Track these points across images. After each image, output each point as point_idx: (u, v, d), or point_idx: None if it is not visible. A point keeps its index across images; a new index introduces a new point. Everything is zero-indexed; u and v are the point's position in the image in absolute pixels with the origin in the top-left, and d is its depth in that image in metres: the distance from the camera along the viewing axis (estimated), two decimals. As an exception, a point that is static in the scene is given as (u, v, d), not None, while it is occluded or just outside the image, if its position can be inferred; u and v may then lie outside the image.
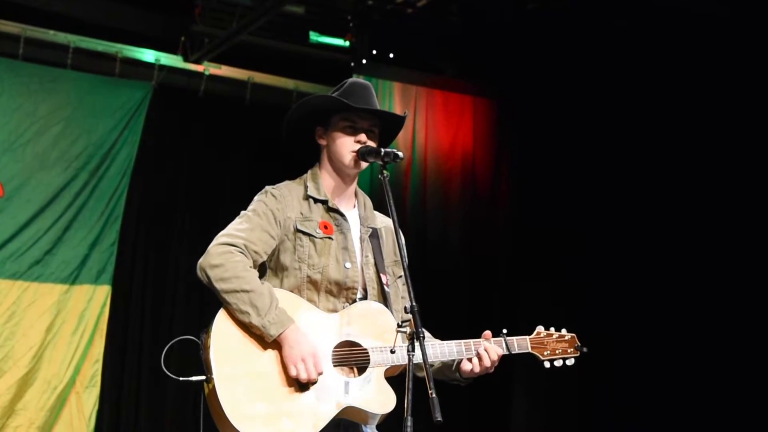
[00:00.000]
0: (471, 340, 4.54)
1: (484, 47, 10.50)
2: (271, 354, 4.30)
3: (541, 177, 10.74)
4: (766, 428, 9.15)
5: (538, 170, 10.78)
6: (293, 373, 4.24)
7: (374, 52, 10.24)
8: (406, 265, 4.29)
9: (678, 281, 9.88)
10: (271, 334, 4.25)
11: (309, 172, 4.70)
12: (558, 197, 10.58)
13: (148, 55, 9.82)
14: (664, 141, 10.06)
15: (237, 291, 4.27)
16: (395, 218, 4.34)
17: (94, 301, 9.33)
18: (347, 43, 10.17)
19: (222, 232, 4.45)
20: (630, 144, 10.24)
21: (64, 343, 9.17)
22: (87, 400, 9.23)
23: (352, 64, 10.16)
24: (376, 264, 4.62)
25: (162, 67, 9.83)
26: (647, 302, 9.99)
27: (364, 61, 10.16)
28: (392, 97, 10.56)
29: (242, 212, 4.56)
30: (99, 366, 9.32)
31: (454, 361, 4.57)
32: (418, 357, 4.00)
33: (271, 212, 4.50)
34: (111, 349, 9.44)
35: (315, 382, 4.27)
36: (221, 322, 4.32)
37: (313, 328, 4.37)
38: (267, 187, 4.64)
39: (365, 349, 4.39)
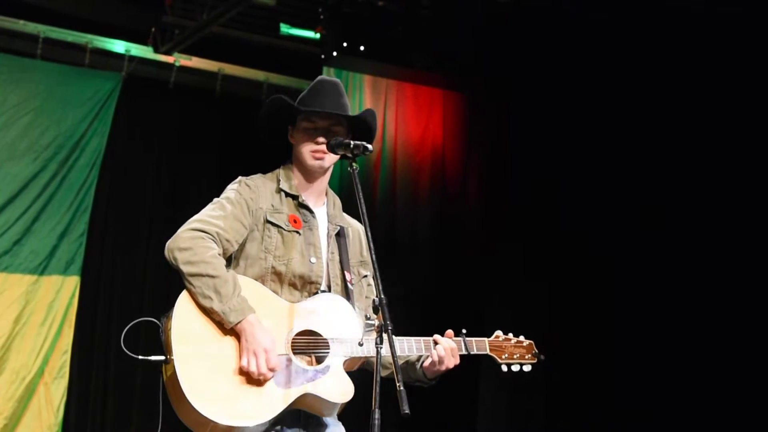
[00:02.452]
0: (430, 338, 4.60)
1: (455, 40, 10.53)
2: (231, 338, 4.32)
3: (511, 171, 10.76)
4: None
5: (507, 164, 10.80)
6: (244, 364, 4.25)
7: (345, 44, 10.22)
8: (374, 258, 4.29)
9: (651, 274, 9.91)
10: (231, 321, 4.26)
11: (282, 167, 4.72)
12: (527, 191, 10.61)
13: (118, 46, 9.80)
14: (637, 134, 10.07)
15: (203, 275, 4.28)
16: (364, 211, 4.34)
17: (62, 291, 9.32)
18: (318, 36, 10.17)
19: (195, 217, 4.46)
20: (603, 136, 10.23)
21: (33, 334, 9.15)
22: (55, 391, 9.21)
23: (323, 56, 10.16)
24: (341, 261, 4.65)
25: (132, 58, 9.81)
26: (620, 299, 10.01)
27: (334, 54, 10.15)
28: (362, 90, 10.58)
29: (215, 199, 4.57)
30: (67, 357, 9.31)
31: (419, 359, 4.62)
32: (384, 350, 4.02)
33: (244, 201, 4.52)
34: (79, 340, 9.43)
35: (279, 367, 4.28)
36: (183, 305, 4.33)
37: (274, 315, 4.39)
38: (241, 177, 4.66)
39: (326, 339, 4.42)
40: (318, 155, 4.58)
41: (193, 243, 4.34)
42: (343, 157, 4.56)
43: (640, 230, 10.00)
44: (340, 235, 4.72)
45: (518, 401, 10.61)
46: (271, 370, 4.27)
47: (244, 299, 4.31)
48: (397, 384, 3.87)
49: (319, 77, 4.80)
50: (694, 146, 9.64)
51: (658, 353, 9.71)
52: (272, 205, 4.58)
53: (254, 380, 4.27)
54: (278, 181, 4.65)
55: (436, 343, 4.57)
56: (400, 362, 4.54)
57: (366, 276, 4.76)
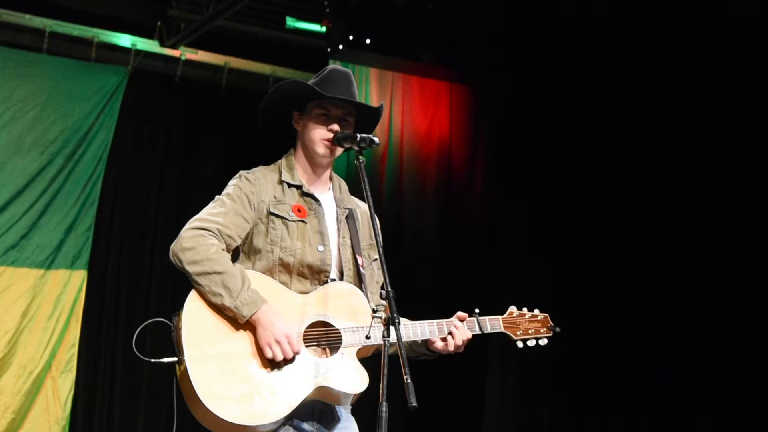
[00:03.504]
0: (443, 320, 4.58)
1: (461, 33, 10.51)
2: (243, 334, 4.31)
3: (517, 164, 10.75)
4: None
5: (513, 157, 10.79)
6: (269, 354, 4.24)
7: (351, 37, 10.20)
8: (381, 250, 4.29)
9: (654, 265, 9.92)
10: (244, 315, 4.25)
11: (284, 157, 4.70)
12: (533, 184, 10.60)
13: (124, 40, 9.80)
14: (643, 129, 10.06)
15: (209, 273, 4.27)
16: (371, 204, 4.34)
17: (69, 285, 9.32)
18: (324, 29, 10.15)
19: (195, 217, 4.45)
20: (609, 130, 10.23)
21: (40, 328, 9.16)
22: (63, 385, 9.22)
23: (329, 49, 10.15)
24: (352, 245, 4.62)
25: (138, 52, 9.82)
26: (623, 288, 10.00)
27: (340, 47, 10.13)
28: (369, 83, 10.57)
29: (216, 197, 4.56)
30: (75, 351, 9.32)
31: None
32: (392, 342, 4.01)
33: (245, 195, 4.50)
34: (87, 334, 9.44)
35: (291, 362, 4.28)
36: (192, 303, 4.32)
37: (286, 308, 4.37)
38: (241, 172, 4.63)
39: (338, 330, 4.40)
40: (328, 143, 4.56)
41: (195, 242, 4.32)
42: (349, 150, 4.56)
43: (644, 225, 10.00)
44: (350, 218, 4.69)
45: (525, 398, 10.61)
46: (297, 353, 4.27)
47: (255, 291, 4.29)
48: (405, 377, 3.87)
49: (331, 66, 4.76)
50: (698, 141, 9.63)
51: (667, 351, 9.71)
52: (274, 197, 4.55)
53: (269, 376, 4.26)
54: (280, 172, 4.63)
55: (449, 331, 4.55)
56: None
57: (376, 259, 4.72)
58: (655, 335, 9.76)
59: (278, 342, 4.25)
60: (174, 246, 4.36)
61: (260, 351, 4.29)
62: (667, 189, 9.86)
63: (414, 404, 3.81)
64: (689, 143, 9.65)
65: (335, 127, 4.55)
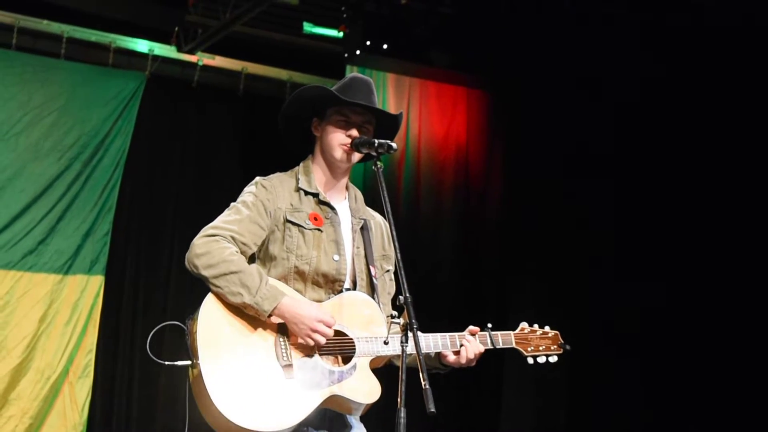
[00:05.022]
0: (456, 334, 4.58)
1: (478, 38, 10.50)
2: (258, 340, 4.31)
3: (534, 169, 10.73)
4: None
5: (531, 162, 10.77)
6: (310, 344, 4.28)
7: (368, 43, 10.23)
8: (399, 255, 4.29)
9: (670, 274, 9.90)
10: (265, 310, 4.26)
11: (301, 164, 4.70)
12: (551, 190, 10.57)
13: (141, 46, 9.81)
14: (657, 133, 10.06)
15: (226, 274, 4.27)
16: (389, 209, 4.33)
17: (87, 291, 9.33)
18: (341, 34, 10.15)
19: (208, 225, 4.45)
20: (625, 134, 10.23)
21: (58, 333, 9.18)
22: (80, 390, 9.23)
23: (346, 55, 10.15)
24: (366, 256, 4.63)
25: (156, 58, 9.82)
26: (639, 297, 9.98)
27: (357, 52, 10.15)
28: (386, 89, 10.55)
29: (232, 204, 4.56)
30: (92, 356, 9.33)
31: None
32: (410, 348, 4.00)
33: (261, 203, 4.50)
34: (104, 340, 9.45)
35: (305, 369, 4.28)
36: (208, 308, 4.32)
37: None
38: (258, 178, 4.63)
39: (351, 339, 4.40)
40: (347, 149, 4.55)
41: (208, 247, 4.33)
42: (367, 156, 4.55)
43: (665, 230, 9.98)
44: (365, 229, 4.69)
45: (542, 403, 10.58)
46: (333, 329, 4.32)
47: (273, 286, 4.30)
48: (423, 383, 3.86)
49: (352, 74, 4.79)
50: (715, 140, 9.65)
51: (686, 357, 9.68)
52: (291, 204, 4.55)
53: (283, 383, 4.26)
54: (297, 179, 4.63)
55: (462, 344, 4.55)
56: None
57: (388, 270, 4.74)
58: (673, 341, 9.72)
59: (314, 330, 4.27)
60: (188, 254, 4.36)
61: (274, 357, 4.29)
62: (682, 191, 9.85)
63: (433, 410, 3.80)
64: (717, 145, 9.66)
65: (354, 132, 4.55)
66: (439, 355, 4.59)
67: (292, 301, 4.30)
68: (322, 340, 4.28)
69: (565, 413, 10.52)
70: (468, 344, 4.55)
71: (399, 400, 3.88)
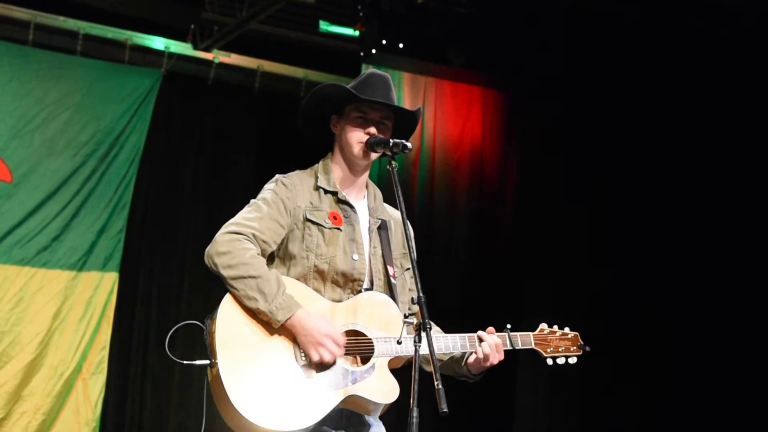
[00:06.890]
0: (474, 334, 4.55)
1: (493, 38, 10.49)
2: (277, 339, 4.30)
3: (549, 169, 10.71)
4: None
5: (546, 162, 10.75)
6: (315, 358, 4.24)
7: (383, 42, 10.22)
8: (414, 256, 4.28)
9: (682, 277, 9.88)
10: (279, 320, 4.24)
11: (320, 162, 4.68)
12: (566, 190, 10.56)
13: (157, 43, 9.82)
14: (668, 136, 10.05)
15: (244, 277, 4.26)
16: (403, 209, 4.33)
17: (101, 287, 9.34)
18: (357, 33, 10.16)
19: (230, 221, 4.43)
20: (639, 135, 10.22)
21: (71, 330, 9.19)
22: (93, 387, 9.24)
23: (362, 53, 10.16)
24: (383, 255, 4.60)
25: (171, 55, 9.84)
26: (652, 298, 9.97)
27: (373, 51, 10.14)
28: (401, 88, 10.55)
29: (252, 201, 4.54)
30: (105, 353, 9.34)
31: (463, 355, 4.57)
32: (424, 348, 3.99)
33: (281, 201, 4.49)
34: (118, 336, 9.46)
35: (324, 369, 4.27)
36: (227, 307, 4.31)
37: None
38: (278, 176, 4.62)
39: (370, 339, 4.38)
40: (364, 146, 4.53)
41: (231, 246, 4.31)
42: (382, 155, 4.54)
43: (679, 232, 9.96)
44: (382, 228, 4.66)
45: (556, 403, 10.56)
46: (342, 347, 4.28)
47: (289, 296, 4.28)
48: (436, 383, 3.85)
49: (370, 70, 4.76)
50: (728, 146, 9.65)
51: (699, 362, 9.67)
52: (311, 203, 4.54)
53: (301, 383, 4.25)
54: (316, 177, 4.61)
55: (480, 339, 4.52)
56: (444, 359, 4.56)
57: (408, 269, 4.70)
58: (687, 346, 9.71)
59: (321, 344, 4.24)
60: (209, 249, 4.35)
61: (293, 357, 4.28)
62: (709, 188, 9.85)
63: (445, 410, 3.78)
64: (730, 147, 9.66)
65: (372, 129, 4.53)
66: (468, 365, 4.56)
67: (306, 314, 4.28)
68: (329, 357, 4.24)
69: (579, 414, 10.50)
70: (486, 335, 4.51)
71: (411, 400, 3.87)
